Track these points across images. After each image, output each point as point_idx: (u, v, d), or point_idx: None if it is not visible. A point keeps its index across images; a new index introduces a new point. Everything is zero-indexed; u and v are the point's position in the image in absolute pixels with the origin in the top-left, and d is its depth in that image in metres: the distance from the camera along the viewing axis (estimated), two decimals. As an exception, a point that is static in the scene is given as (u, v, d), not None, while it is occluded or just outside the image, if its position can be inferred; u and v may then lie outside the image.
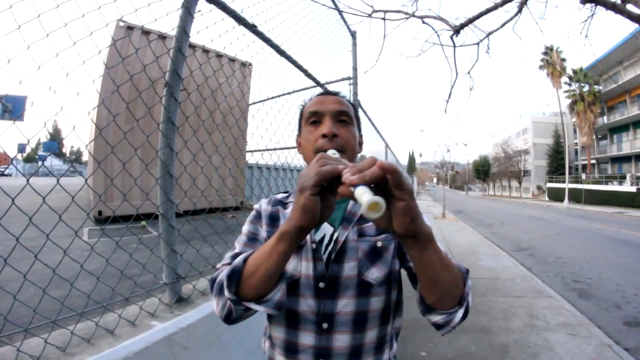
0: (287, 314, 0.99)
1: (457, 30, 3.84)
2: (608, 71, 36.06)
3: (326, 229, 1.02)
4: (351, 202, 1.06)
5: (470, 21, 3.77)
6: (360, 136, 1.17)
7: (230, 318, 0.89)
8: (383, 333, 1.02)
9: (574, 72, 38.72)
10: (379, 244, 1.00)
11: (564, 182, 35.28)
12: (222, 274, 0.87)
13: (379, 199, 0.60)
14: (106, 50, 7.48)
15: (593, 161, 40.08)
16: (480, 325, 4.30)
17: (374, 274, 0.98)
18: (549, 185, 41.78)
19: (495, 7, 3.55)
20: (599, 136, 39.79)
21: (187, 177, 2.03)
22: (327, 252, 0.99)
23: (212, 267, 1.67)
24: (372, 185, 0.64)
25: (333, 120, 1.04)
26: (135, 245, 1.83)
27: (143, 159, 2.15)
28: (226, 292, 0.83)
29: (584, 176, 38.07)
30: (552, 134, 47.02)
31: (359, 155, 1.14)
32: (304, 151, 1.09)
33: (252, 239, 1.05)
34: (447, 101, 4.65)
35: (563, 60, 40.17)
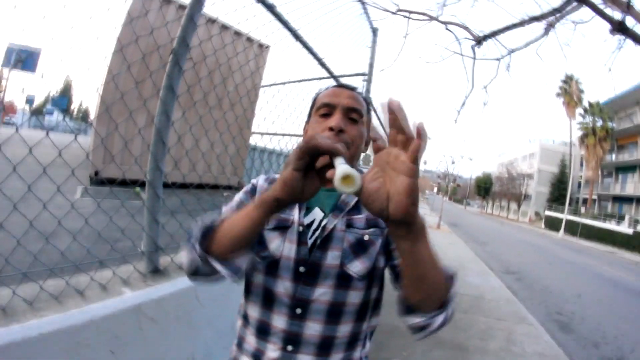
0: (263, 293, 0.98)
1: (479, 41, 3.78)
2: (624, 109, 35.95)
3: (317, 214, 1.00)
4: None
5: (494, 34, 3.71)
6: (369, 136, 1.14)
7: (196, 274, 0.91)
8: (357, 330, 0.99)
9: (590, 105, 38.54)
10: (366, 237, 0.98)
11: (562, 212, 35.28)
12: (197, 227, 0.88)
13: (355, 173, 0.57)
14: (123, 14, 7.49)
15: (595, 197, 39.95)
16: (458, 342, 4.28)
17: (357, 267, 0.95)
18: (547, 213, 41.70)
19: (521, 24, 3.49)
20: (605, 173, 39.66)
21: (182, 149, 1.99)
22: (314, 237, 0.97)
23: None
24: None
25: (343, 115, 1.00)
26: (122, 210, 1.80)
27: (145, 125, 2.11)
28: (197, 246, 0.85)
29: (583, 210, 38.04)
30: (559, 163, 46.88)
31: (363, 154, 1.11)
32: None
33: (240, 208, 1.03)
34: (459, 111, 4.60)
35: (581, 91, 40.04)
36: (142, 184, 2.01)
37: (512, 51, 3.98)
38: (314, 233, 0.97)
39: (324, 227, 0.97)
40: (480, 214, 57.70)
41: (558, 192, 44.39)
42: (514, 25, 3.55)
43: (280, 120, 3.01)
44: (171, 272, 1.64)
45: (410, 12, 3.64)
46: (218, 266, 0.84)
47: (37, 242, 1.45)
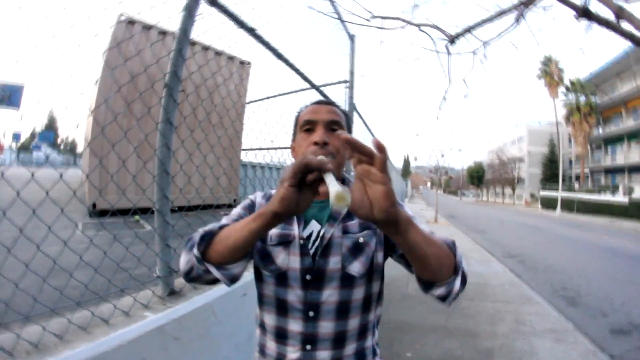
0: (277, 303, 1.08)
1: (452, 40, 3.90)
2: (605, 83, 36.38)
3: (314, 226, 1.10)
4: None
5: (466, 31, 3.83)
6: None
7: (190, 275, 1.00)
8: (365, 320, 1.10)
9: (572, 83, 39.01)
10: (361, 240, 1.08)
11: (557, 190, 35.56)
12: (197, 233, 0.98)
13: (346, 191, 0.69)
14: (106, 43, 7.56)
15: (587, 171, 40.31)
16: (467, 329, 4.37)
17: (356, 267, 1.06)
18: (542, 193, 41.95)
19: (490, 19, 3.62)
20: (594, 147, 40.04)
21: (182, 174, 2.08)
22: (314, 247, 1.07)
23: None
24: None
25: (325, 129, 1.11)
26: (129, 239, 1.88)
27: (140, 154, 2.20)
28: (194, 249, 0.94)
29: (577, 186, 38.32)
30: (547, 143, 47.20)
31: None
32: (296, 156, 1.18)
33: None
34: (440, 107, 4.72)
35: (561, 70, 40.49)
36: (142, 210, 2.09)
37: (485, 43, 4.10)
38: (314, 244, 1.07)
39: (323, 236, 1.07)
40: (476, 203, 57.88)
41: (550, 172, 44.68)
42: (484, 21, 3.67)
43: (268, 134, 3.11)
44: (187, 292, 1.73)
45: (384, 17, 3.75)
46: (213, 270, 0.94)
47: (52, 279, 1.53)
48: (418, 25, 3.79)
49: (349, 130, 1.25)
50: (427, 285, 0.93)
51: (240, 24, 1.98)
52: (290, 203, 0.80)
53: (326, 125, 1.12)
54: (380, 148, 0.70)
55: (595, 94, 37.53)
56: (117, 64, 5.65)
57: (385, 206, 0.70)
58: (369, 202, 0.72)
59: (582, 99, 37.72)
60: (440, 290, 0.91)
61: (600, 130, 38.59)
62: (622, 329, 4.78)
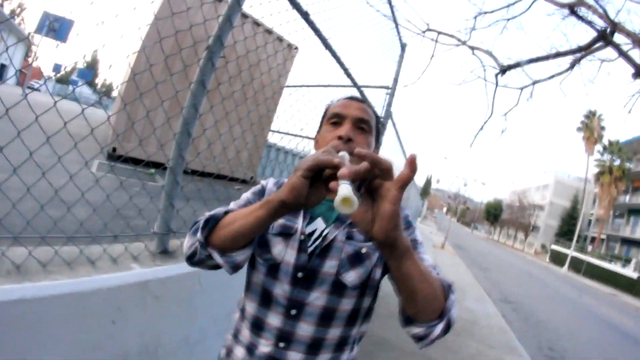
0: (262, 292, 1.04)
1: (503, 70, 3.81)
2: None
3: (319, 224, 1.06)
4: None
5: (519, 65, 3.74)
6: (377, 147, 1.20)
7: (193, 259, 0.99)
8: (346, 334, 1.05)
9: (610, 143, 38.16)
10: (364, 250, 1.03)
11: (569, 247, 34.84)
12: (202, 217, 0.96)
13: (353, 197, 0.64)
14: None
15: (603, 236, 39.36)
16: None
17: (351, 277, 1.01)
18: (554, 247, 41.20)
19: (546, 58, 3.52)
20: (617, 213, 39.06)
21: (204, 139, 2.06)
22: (314, 246, 1.03)
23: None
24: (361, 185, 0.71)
25: (353, 125, 1.07)
26: (137, 189, 1.87)
27: (168, 110, 2.19)
28: (198, 233, 0.92)
29: (590, 248, 37.49)
30: (571, 198, 46.26)
31: None
32: (319, 148, 1.13)
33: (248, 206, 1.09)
34: (476, 136, 4.63)
35: (602, 128, 39.63)
36: (157, 165, 2.09)
37: (535, 82, 4.01)
38: (314, 242, 1.03)
39: (325, 236, 1.03)
40: (487, 240, 57.19)
41: (567, 227, 43.82)
42: (539, 59, 3.58)
43: (300, 122, 3.08)
44: (179, 255, 1.71)
45: (439, 33, 3.68)
46: (216, 256, 0.92)
47: (53, 209, 1.53)
48: (472, 48, 3.72)
49: (377, 134, 1.19)
50: (407, 320, 0.89)
51: (295, 4, 1.95)
52: (299, 194, 0.76)
53: (354, 121, 1.08)
54: (413, 166, 0.66)
55: (631, 160, 36.62)
56: (164, 22, 5.67)
57: (386, 227, 0.67)
58: (371, 217, 0.69)
59: (617, 162, 36.86)
60: (418, 330, 0.86)
61: (627, 198, 37.65)
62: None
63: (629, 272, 27.72)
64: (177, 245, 1.77)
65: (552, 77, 3.79)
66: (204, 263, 0.98)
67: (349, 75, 3.13)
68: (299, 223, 1.05)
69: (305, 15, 2.05)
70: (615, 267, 29.59)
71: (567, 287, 19.27)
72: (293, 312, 1.00)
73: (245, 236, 0.88)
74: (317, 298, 1.00)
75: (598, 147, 39.33)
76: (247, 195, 1.14)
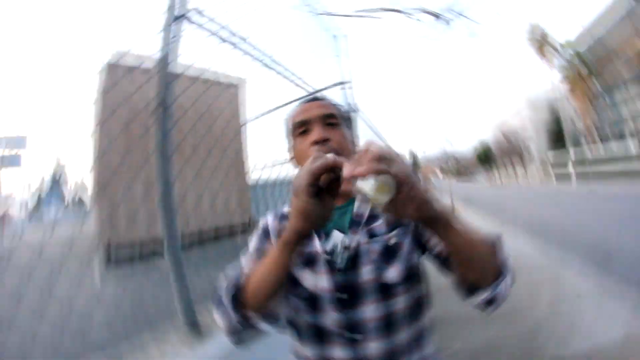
0: (314, 331, 0.95)
1: (437, 15, 3.79)
2: (593, 38, 36.17)
3: (336, 237, 0.98)
4: (357, 204, 1.02)
5: (461, 8, 3.71)
6: (354, 137, 1.13)
7: (236, 337, 0.90)
8: (417, 330, 0.97)
9: (562, 45, 38.78)
10: (392, 241, 0.96)
11: (567, 155, 34.70)
12: (222, 290, 0.88)
13: (387, 181, 0.57)
14: (96, 91, 7.57)
15: (592, 127, 39.57)
16: (507, 310, 4.18)
17: (392, 274, 0.94)
18: (552, 160, 40.88)
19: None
20: (595, 102, 39.43)
21: (190, 202, 1.98)
22: (341, 260, 0.95)
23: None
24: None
25: (322, 125, 1.00)
26: (150, 278, 1.78)
27: (146, 184, 2.11)
28: (232, 314, 0.85)
29: (585, 142, 37.59)
30: (547, 109, 46.61)
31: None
32: (298, 164, 1.05)
33: (259, 255, 1.00)
34: (452, 88, 4.60)
35: (548, 35, 40.27)
36: (156, 240, 2.00)
37: (463, 16, 3.99)
38: (340, 256, 0.96)
39: (348, 246, 0.95)
40: (490, 187, 57.37)
41: (556, 136, 43.85)
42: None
43: (274, 149, 3.02)
44: (213, 329, 1.61)
45: (369, 11, 3.67)
46: (261, 325, 0.86)
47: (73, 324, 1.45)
48: (407, 13, 3.69)
49: (349, 123, 1.12)
50: (469, 290, 0.83)
51: (222, 39, 1.90)
52: (312, 216, 0.71)
53: (321, 121, 1.01)
54: (384, 158, 0.62)
55: (586, 51, 37.25)
56: (108, 112, 5.60)
57: (413, 208, 0.63)
58: (400, 200, 0.63)
59: (575, 59, 37.47)
60: (485, 295, 0.81)
61: (598, 85, 38.11)
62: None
63: (630, 146, 26.08)
64: (207, 321, 1.66)
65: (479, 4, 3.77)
66: (251, 336, 0.90)
67: (299, 86, 3.08)
68: (317, 244, 0.97)
69: (236, 46, 1.99)
70: (616, 147, 28.34)
71: (590, 211, 19.08)
72: (354, 337, 0.91)
73: (276, 287, 0.83)
74: (371, 311, 0.92)
75: (553, 54, 39.93)
76: (253, 242, 1.07)
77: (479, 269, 0.77)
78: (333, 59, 4.28)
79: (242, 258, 1.03)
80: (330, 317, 0.93)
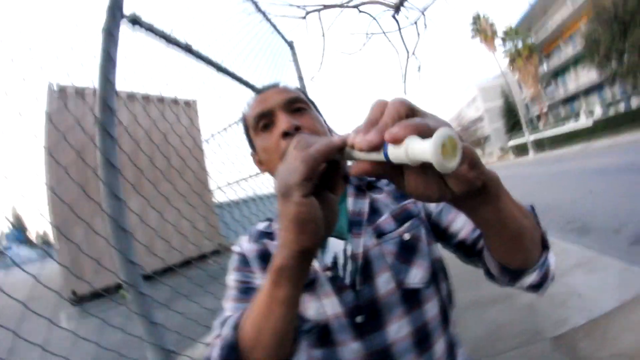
0: None
1: (397, 8, 3.70)
2: (537, 22, 37.70)
3: (335, 246, 0.78)
4: (351, 200, 0.82)
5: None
6: (325, 122, 0.94)
7: None
8: (450, 335, 0.80)
9: (506, 32, 40.26)
10: (407, 236, 0.77)
11: (523, 136, 36.24)
12: (215, 351, 0.61)
13: (445, 131, 0.35)
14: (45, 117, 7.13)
15: (546, 109, 41.26)
16: (500, 293, 4.11)
17: (417, 276, 0.75)
18: (511, 143, 42.68)
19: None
20: (545, 84, 41.13)
21: (153, 232, 1.78)
22: (349, 274, 0.75)
23: (205, 327, 1.37)
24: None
25: (287, 112, 0.80)
26: (120, 320, 1.57)
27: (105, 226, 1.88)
28: None
29: (541, 125, 39.26)
30: (501, 95, 48.16)
31: None
32: (268, 166, 0.83)
33: (245, 290, 0.78)
34: (404, 82, 4.53)
35: (492, 25, 41.59)
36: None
37: (424, 10, 3.95)
38: (345, 269, 0.76)
39: (353, 254, 0.75)
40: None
41: (512, 121, 45.35)
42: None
43: (234, 166, 2.85)
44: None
45: (319, 9, 3.53)
46: None
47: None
48: (356, 6, 3.57)
49: (315, 106, 0.92)
50: (517, 273, 0.64)
51: (171, 41, 1.70)
52: (316, 224, 0.46)
53: (285, 107, 0.80)
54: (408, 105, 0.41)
55: (530, 35, 38.74)
56: (55, 140, 5.28)
57: (468, 173, 0.40)
58: (437, 176, 0.41)
59: (520, 44, 38.85)
60: (534, 276, 0.64)
61: (546, 67, 39.72)
62: (638, 238, 4.73)
63: (583, 122, 29.20)
64: None
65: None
66: None
67: (257, 91, 2.90)
68: (314, 263, 0.75)
69: (187, 48, 1.80)
70: (570, 126, 31.00)
71: (543, 167, 19.77)
72: None
73: (288, 332, 0.57)
74: (399, 329, 0.72)
75: (498, 42, 41.31)
76: (233, 278, 0.82)
77: (528, 245, 0.60)
78: (287, 64, 4.17)
79: (224, 302, 0.79)
80: (349, 350, 0.73)
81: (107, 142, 1.24)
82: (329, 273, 0.75)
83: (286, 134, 0.75)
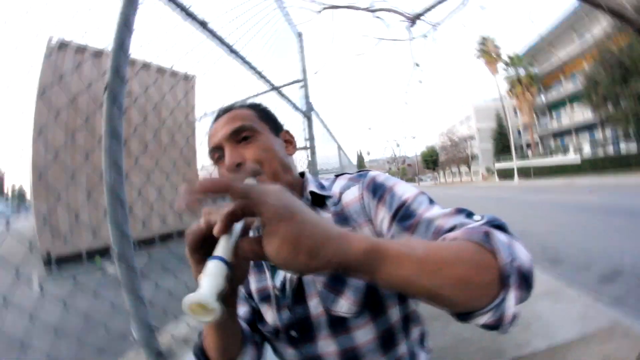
0: None
1: (413, 20, 3.72)
2: (542, 54, 38.21)
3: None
4: None
5: (428, 10, 3.65)
6: (289, 135, 0.97)
7: None
8: (397, 356, 0.82)
9: (510, 58, 40.70)
10: None
11: (511, 161, 36.80)
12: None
13: (207, 301, 0.38)
14: (39, 72, 6.98)
15: (536, 138, 41.93)
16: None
17: (343, 306, 0.78)
18: (498, 165, 43.25)
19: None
20: (539, 114, 41.78)
21: (140, 204, 1.75)
22: (287, 295, 0.83)
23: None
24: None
25: (233, 145, 0.83)
26: (93, 289, 1.55)
27: (87, 183, 1.85)
28: None
29: (530, 153, 39.87)
30: (495, 117, 48.70)
31: (293, 156, 0.95)
32: None
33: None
34: (406, 92, 4.56)
35: (498, 48, 42.02)
36: (101, 252, 1.75)
37: (435, 25, 3.97)
38: (285, 289, 0.83)
39: (292, 278, 0.82)
40: (435, 186, 58.99)
41: (502, 144, 45.87)
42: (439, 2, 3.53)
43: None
44: (177, 351, 1.38)
45: (335, 7, 3.52)
46: None
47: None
48: (373, 11, 3.57)
49: (273, 124, 0.93)
50: (463, 316, 0.57)
51: (190, 15, 1.68)
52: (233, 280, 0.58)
53: (231, 139, 0.83)
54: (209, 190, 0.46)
55: (533, 65, 39.24)
56: (52, 92, 5.17)
57: (302, 259, 0.43)
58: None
59: (522, 72, 39.33)
60: (486, 318, 0.54)
61: (543, 98, 40.32)
62: (608, 275, 4.87)
63: (571, 158, 29.91)
64: (168, 340, 1.42)
65: (450, 15, 3.76)
66: None
67: (263, 77, 2.88)
68: (268, 279, 0.86)
69: (204, 25, 1.78)
70: (558, 159, 31.67)
71: (526, 194, 20.02)
72: None
73: (230, 344, 0.75)
74: (327, 346, 0.80)
75: (501, 66, 41.72)
76: None
77: (455, 300, 0.52)
78: (294, 55, 4.15)
79: None
80: (288, 353, 0.86)
81: (114, 112, 1.22)
82: (276, 292, 0.84)
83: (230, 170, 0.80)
